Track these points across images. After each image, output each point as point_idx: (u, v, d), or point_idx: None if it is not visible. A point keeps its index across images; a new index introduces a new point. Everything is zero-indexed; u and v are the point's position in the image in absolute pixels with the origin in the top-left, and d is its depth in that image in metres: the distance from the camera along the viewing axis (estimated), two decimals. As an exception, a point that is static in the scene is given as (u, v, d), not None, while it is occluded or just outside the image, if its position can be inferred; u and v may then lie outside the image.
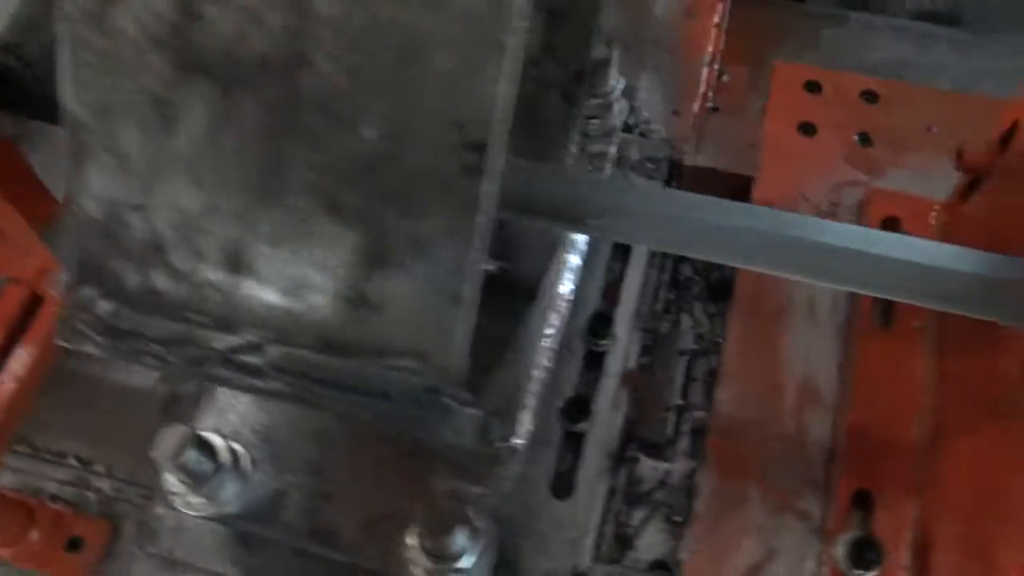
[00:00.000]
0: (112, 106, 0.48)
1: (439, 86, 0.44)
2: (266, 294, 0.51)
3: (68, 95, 0.48)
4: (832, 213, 1.00)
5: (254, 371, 0.53)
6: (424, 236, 0.48)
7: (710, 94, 1.27)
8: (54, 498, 0.95)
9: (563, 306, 0.89)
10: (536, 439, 0.91)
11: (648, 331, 1.04)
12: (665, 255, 1.05)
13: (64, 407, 0.98)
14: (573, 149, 0.87)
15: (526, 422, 0.82)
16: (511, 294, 0.71)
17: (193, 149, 0.48)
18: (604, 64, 0.94)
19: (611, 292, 1.04)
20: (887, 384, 0.86)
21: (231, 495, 0.80)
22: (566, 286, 0.90)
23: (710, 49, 1.31)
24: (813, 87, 1.10)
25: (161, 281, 0.52)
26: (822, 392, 0.90)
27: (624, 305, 1.02)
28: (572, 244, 0.91)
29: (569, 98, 0.84)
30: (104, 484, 0.97)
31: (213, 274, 0.51)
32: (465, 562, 0.72)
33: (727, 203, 0.65)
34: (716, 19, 1.33)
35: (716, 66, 1.30)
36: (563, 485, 0.90)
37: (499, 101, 0.44)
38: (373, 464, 0.81)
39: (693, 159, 1.07)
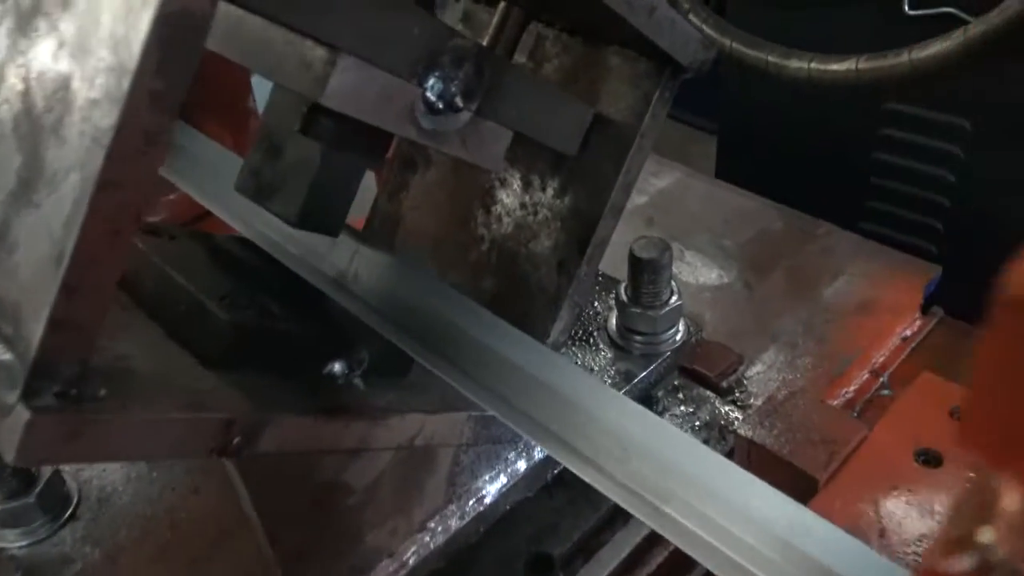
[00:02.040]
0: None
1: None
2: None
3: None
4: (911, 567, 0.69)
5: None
6: (61, 170, 0.40)
7: (857, 404, 1.01)
8: None
9: (473, 506, 0.71)
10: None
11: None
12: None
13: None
14: (556, 331, 0.72)
15: None
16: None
17: None
18: (652, 266, 0.80)
19: (589, 543, 0.81)
20: None
21: (24, 530, 0.71)
22: (493, 482, 0.72)
23: (881, 358, 1.07)
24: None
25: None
26: None
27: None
28: (519, 445, 0.74)
29: (565, 269, 0.71)
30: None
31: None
32: None
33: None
34: (903, 329, 1.10)
35: (882, 378, 1.05)
36: None
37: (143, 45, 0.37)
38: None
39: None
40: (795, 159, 1.55)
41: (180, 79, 0.39)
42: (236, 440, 0.49)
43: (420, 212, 0.82)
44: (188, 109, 0.91)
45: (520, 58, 0.76)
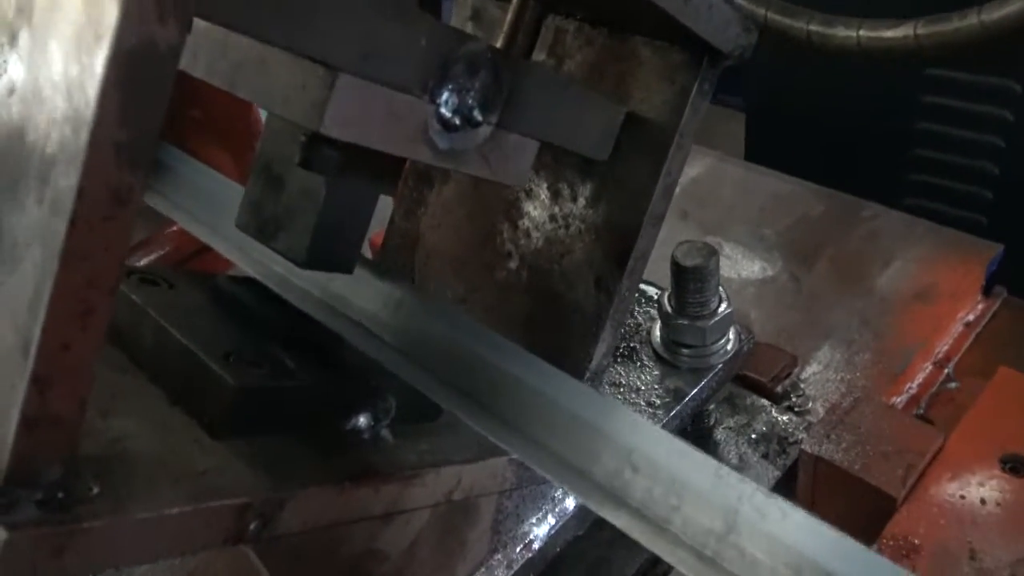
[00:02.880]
0: None
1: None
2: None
3: None
4: (1011, 595, 0.62)
5: None
6: (20, 241, 0.34)
7: (923, 399, 0.94)
8: None
9: (521, 553, 0.64)
10: None
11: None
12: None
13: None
14: (599, 354, 0.66)
15: None
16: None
17: None
18: (698, 273, 0.73)
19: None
20: None
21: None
22: (541, 525, 0.65)
23: (944, 347, 1.00)
24: (1051, 415, 0.74)
25: None
26: None
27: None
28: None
29: (603, 286, 0.65)
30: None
31: None
32: None
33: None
34: (966, 315, 1.02)
35: (947, 370, 0.98)
36: None
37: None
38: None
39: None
40: (831, 133, 1.46)
41: (149, 126, 0.33)
42: (252, 525, 0.43)
43: (440, 230, 0.75)
44: (183, 131, 0.84)
45: (539, 55, 0.70)
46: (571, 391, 0.47)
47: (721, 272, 1.06)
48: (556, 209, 0.68)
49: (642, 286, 0.87)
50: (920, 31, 0.66)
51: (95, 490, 0.38)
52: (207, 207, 0.69)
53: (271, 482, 0.44)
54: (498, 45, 0.64)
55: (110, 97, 0.31)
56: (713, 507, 0.38)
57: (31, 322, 0.33)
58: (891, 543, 0.67)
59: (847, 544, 0.36)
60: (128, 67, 0.31)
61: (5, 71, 0.36)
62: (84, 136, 0.31)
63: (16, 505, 0.35)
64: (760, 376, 0.88)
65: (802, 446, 0.74)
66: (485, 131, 0.52)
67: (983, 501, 0.69)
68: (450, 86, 0.48)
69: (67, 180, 0.32)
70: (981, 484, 0.70)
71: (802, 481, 0.75)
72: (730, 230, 1.13)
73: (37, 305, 0.33)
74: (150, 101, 0.32)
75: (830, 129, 1.47)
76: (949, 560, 0.65)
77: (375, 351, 0.55)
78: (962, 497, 0.69)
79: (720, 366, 0.76)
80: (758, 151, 1.61)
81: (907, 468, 0.71)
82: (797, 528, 0.36)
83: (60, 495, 0.36)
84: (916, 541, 0.66)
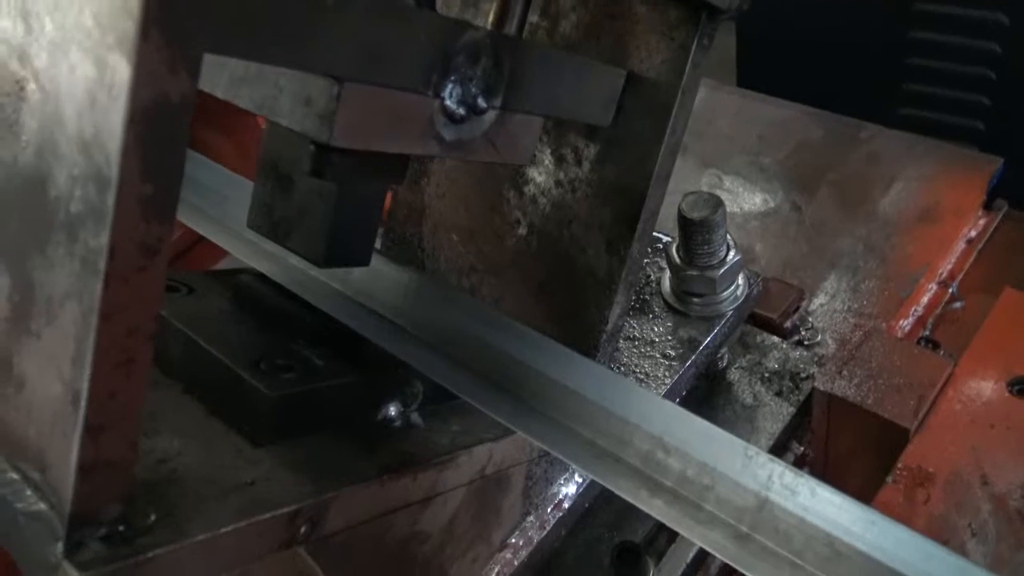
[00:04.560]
0: None
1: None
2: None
3: None
4: (1022, 514, 0.65)
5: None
6: (55, 297, 0.35)
7: (928, 321, 0.96)
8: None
9: (552, 512, 0.67)
10: None
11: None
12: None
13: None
14: (614, 316, 0.67)
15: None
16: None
17: None
18: (705, 225, 0.74)
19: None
20: None
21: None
22: (569, 484, 0.68)
23: (947, 266, 1.01)
24: (1056, 334, 0.76)
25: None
26: None
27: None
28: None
29: (614, 249, 0.65)
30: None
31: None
32: None
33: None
34: (968, 231, 1.03)
35: (951, 289, 0.99)
36: None
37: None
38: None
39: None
40: (824, 44, 1.44)
41: (172, 175, 0.33)
42: (303, 529, 0.45)
43: (446, 200, 0.75)
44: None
45: (532, 17, 0.68)
46: (593, 376, 0.48)
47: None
48: (561, 174, 0.68)
49: (648, 234, 0.87)
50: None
51: (152, 517, 0.40)
52: (209, 201, 0.69)
53: (316, 485, 0.46)
54: (492, 9, 0.63)
55: (131, 156, 0.31)
56: (745, 486, 0.39)
57: (77, 375, 0.34)
58: (905, 473, 0.69)
59: (871, 516, 0.37)
60: (145, 124, 0.31)
61: (16, 120, 0.36)
62: (110, 196, 0.32)
63: (82, 546, 0.36)
64: (769, 313, 0.89)
65: (815, 384, 0.76)
66: (490, 116, 0.51)
67: (992, 426, 0.71)
68: (453, 78, 0.48)
69: (96, 240, 0.32)
70: (990, 409, 0.72)
71: (816, 417, 0.77)
72: (729, 162, 1.13)
73: (81, 359, 0.34)
74: (171, 152, 0.32)
75: (823, 40, 1.45)
76: (962, 486, 0.67)
77: (399, 350, 0.56)
78: (972, 423, 0.71)
79: (731, 312, 0.77)
80: (751, 68, 1.59)
81: (918, 399, 0.73)
82: (826, 503, 0.38)
83: (121, 528, 0.38)
84: (930, 470, 0.69)
